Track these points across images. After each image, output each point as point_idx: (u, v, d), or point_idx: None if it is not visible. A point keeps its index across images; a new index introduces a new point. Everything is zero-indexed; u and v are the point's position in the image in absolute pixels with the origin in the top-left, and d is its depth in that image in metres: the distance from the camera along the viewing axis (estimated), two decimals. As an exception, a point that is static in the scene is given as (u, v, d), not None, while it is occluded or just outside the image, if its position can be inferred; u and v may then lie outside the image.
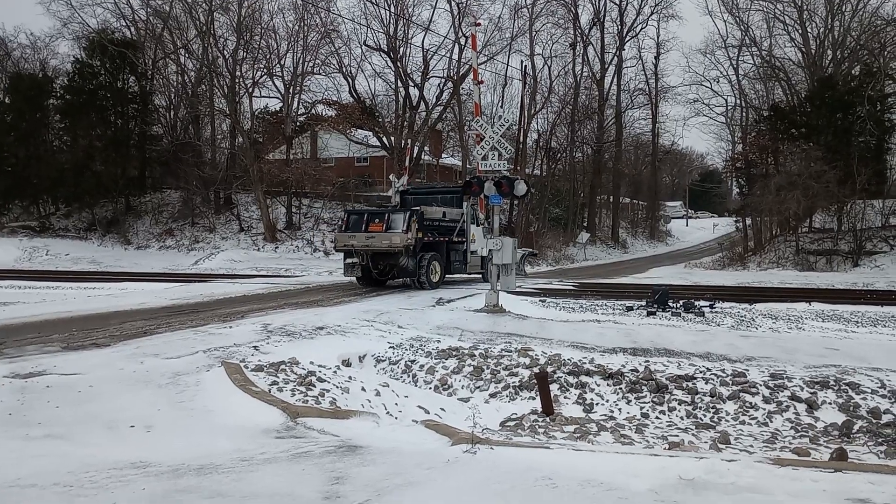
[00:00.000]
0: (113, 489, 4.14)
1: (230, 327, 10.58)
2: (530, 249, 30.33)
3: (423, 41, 46.05)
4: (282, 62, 43.38)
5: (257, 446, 5.06)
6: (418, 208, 18.75)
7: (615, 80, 55.56)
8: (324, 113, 47.54)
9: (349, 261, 18.78)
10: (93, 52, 42.63)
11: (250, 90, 43.69)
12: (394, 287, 18.82)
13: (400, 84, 44.99)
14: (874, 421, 6.94)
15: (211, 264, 34.71)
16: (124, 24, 45.86)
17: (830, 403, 7.36)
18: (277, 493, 4.07)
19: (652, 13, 55.85)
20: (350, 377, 7.81)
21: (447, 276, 19.94)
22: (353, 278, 19.44)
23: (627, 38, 55.59)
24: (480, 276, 20.59)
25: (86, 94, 41.57)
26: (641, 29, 57.28)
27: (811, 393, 7.53)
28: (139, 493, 4.06)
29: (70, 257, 37.19)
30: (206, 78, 43.66)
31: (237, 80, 42.21)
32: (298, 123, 46.38)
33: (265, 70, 43.46)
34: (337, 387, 7.29)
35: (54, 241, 40.59)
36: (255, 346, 8.85)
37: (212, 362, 7.67)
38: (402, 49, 44.36)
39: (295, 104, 45.04)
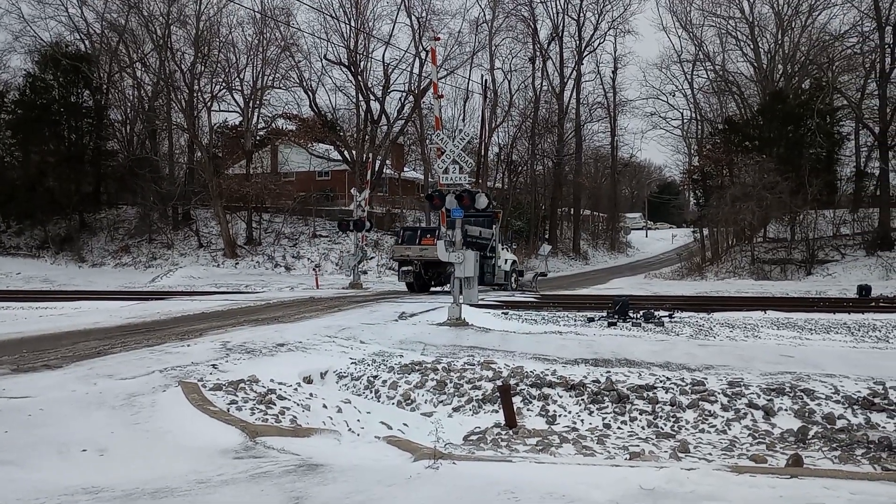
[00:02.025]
0: (63, 516, 4.01)
1: (188, 346, 10.37)
2: (543, 271, 34.51)
3: (383, 55, 46.20)
4: (241, 76, 43.12)
5: (215, 467, 4.95)
6: (461, 226, 20.51)
7: (574, 93, 56.45)
8: (284, 127, 47.34)
9: (404, 269, 22.87)
10: (45, 65, 41.76)
11: (209, 104, 43.26)
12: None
13: (361, 98, 45.00)
14: (829, 426, 7.08)
15: (169, 281, 34.08)
16: (78, 37, 45.12)
17: (786, 410, 7.50)
18: (235, 516, 3.98)
19: (609, 28, 57.00)
20: (311, 394, 7.70)
21: (480, 285, 22.13)
22: (404, 283, 23.31)
23: (585, 52, 56.59)
24: (503, 286, 24.44)
25: (38, 109, 40.63)
26: (599, 44, 58.39)
27: (768, 400, 7.66)
28: (90, 520, 3.94)
29: (21, 276, 36.15)
30: (164, 92, 43.11)
31: (195, 94, 41.75)
32: (258, 138, 46.01)
33: (224, 84, 43.13)
34: (298, 404, 7.18)
35: (5, 260, 39.48)
36: (213, 365, 8.67)
37: (168, 382, 7.50)
38: (362, 63, 44.46)
39: (255, 118, 44.76)
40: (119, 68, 44.97)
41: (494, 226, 23.54)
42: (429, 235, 21.99)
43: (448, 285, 21.18)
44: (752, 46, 46.64)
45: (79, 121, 42.83)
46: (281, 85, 44.55)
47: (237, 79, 43.08)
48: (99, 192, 45.84)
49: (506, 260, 24.85)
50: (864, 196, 41.95)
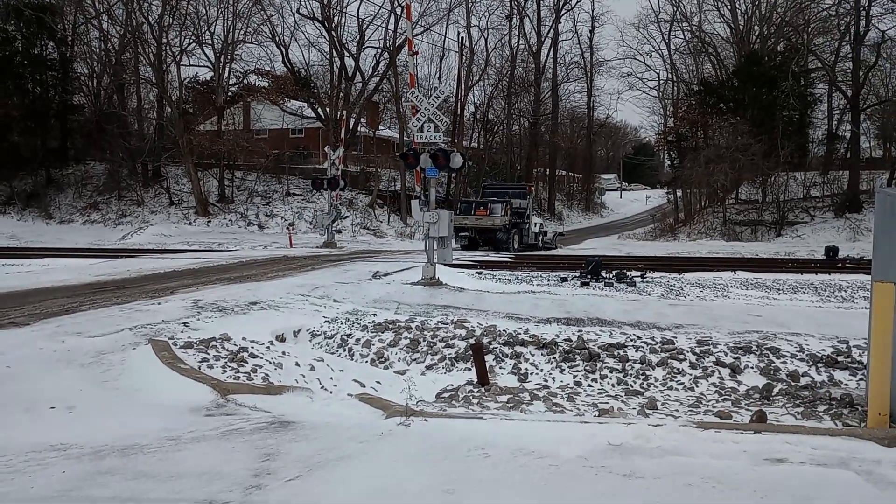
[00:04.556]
0: (31, 473, 3.97)
1: (159, 304, 10.26)
2: (561, 231, 39.70)
3: (358, 10, 45.26)
4: (212, 29, 42.01)
5: (185, 425, 4.94)
6: (508, 200, 27.75)
7: (551, 52, 55.92)
8: (256, 83, 46.36)
9: (462, 234, 27.20)
10: (7, 16, 40.28)
11: (178, 58, 42.18)
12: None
13: (335, 54, 44.18)
14: (793, 384, 7.25)
15: (139, 239, 33.63)
16: (41, -14, 43.35)
17: (752, 368, 7.66)
18: (205, 472, 3.97)
19: (588, -14, 56.16)
20: (284, 352, 7.69)
21: (517, 245, 27.96)
22: (459, 245, 26.90)
23: (563, 10, 55.92)
24: (534, 245, 29.44)
25: (0, 61, 39.31)
26: (577, 2, 57.66)
27: (735, 358, 7.81)
28: (58, 476, 3.91)
29: (-13, 233, 35.38)
30: (131, 45, 41.82)
31: (164, 48, 40.59)
32: (230, 94, 45.06)
33: (194, 38, 41.96)
34: (270, 362, 7.17)
35: (-31, 217, 38.61)
36: (184, 323, 8.61)
37: (138, 340, 7.43)
38: (336, 18, 43.55)
39: (226, 74, 43.78)
40: (84, 19, 43.47)
41: (529, 197, 29.93)
42: (482, 207, 27.41)
43: (494, 246, 26.74)
44: (729, 7, 46.52)
45: (43, 74, 41.55)
46: (253, 40, 43.55)
47: (207, 32, 42.00)
48: (66, 148, 44.75)
49: (535, 223, 30.32)
50: (835, 159, 42.45)
